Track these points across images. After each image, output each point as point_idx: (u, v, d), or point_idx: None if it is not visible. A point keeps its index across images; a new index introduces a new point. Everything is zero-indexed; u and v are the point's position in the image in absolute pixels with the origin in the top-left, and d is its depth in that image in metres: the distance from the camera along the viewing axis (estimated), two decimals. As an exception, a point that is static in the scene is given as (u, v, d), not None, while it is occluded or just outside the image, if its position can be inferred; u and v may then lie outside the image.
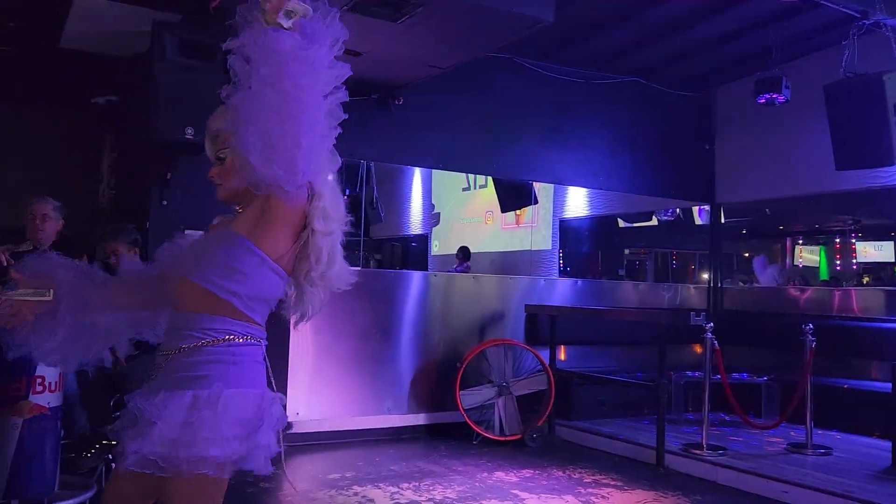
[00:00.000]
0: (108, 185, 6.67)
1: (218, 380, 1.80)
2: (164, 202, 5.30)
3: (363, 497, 4.41)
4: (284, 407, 1.95)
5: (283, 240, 1.87)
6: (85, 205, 7.13)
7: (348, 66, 1.86)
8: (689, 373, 6.37)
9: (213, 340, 1.82)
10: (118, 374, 4.16)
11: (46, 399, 3.50)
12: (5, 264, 4.11)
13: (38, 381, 3.46)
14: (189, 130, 4.54)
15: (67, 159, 7.17)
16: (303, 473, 5.17)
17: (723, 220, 8.37)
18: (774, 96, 6.24)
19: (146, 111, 4.55)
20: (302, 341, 5.79)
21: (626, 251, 13.95)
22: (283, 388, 5.65)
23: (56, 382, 3.55)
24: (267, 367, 1.94)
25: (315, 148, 1.81)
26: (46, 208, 4.48)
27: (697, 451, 5.25)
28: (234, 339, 1.85)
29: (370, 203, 10.84)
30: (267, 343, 1.95)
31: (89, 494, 3.69)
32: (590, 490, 4.70)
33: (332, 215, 1.93)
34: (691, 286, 8.34)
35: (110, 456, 4.09)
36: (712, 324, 5.37)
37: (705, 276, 8.78)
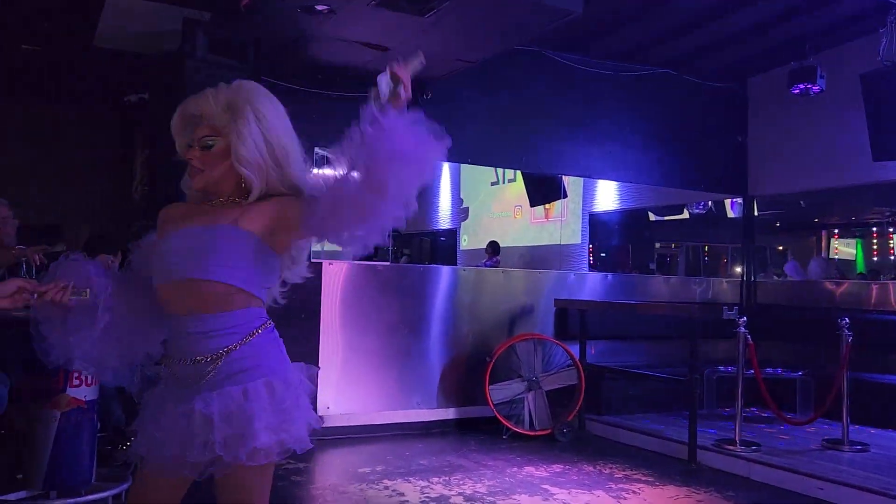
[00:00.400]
0: (140, 182, 6.77)
1: (277, 363, 1.91)
2: (196, 199, 5.36)
3: (393, 491, 4.43)
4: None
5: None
6: (118, 201, 7.26)
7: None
8: (721, 368, 6.29)
9: (253, 332, 1.89)
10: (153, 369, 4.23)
11: (83, 393, 3.57)
12: (38, 264, 4.19)
13: (76, 375, 3.53)
14: (219, 127, 4.58)
15: (101, 156, 7.30)
16: (332, 467, 5.21)
17: (756, 213, 8.23)
18: (809, 86, 6.12)
19: (176, 107, 4.60)
20: (331, 337, 5.82)
21: (657, 245, 13.81)
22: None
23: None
24: None
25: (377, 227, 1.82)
26: (4, 210, 4.49)
27: (730, 447, 5.18)
28: (265, 324, 1.95)
29: (399, 198, 10.85)
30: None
31: (125, 486, 3.75)
32: (621, 485, 4.66)
33: None
34: (724, 280, 8.22)
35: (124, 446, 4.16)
36: (745, 318, 5.29)
37: (738, 269, 8.64)
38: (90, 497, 3.57)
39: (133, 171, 6.96)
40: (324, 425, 5.76)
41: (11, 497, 3.47)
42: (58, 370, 3.49)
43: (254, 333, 1.89)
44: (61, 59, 5.80)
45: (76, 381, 3.53)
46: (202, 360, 1.85)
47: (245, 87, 1.95)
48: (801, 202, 11.20)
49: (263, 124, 1.90)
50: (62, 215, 7.46)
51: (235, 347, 1.86)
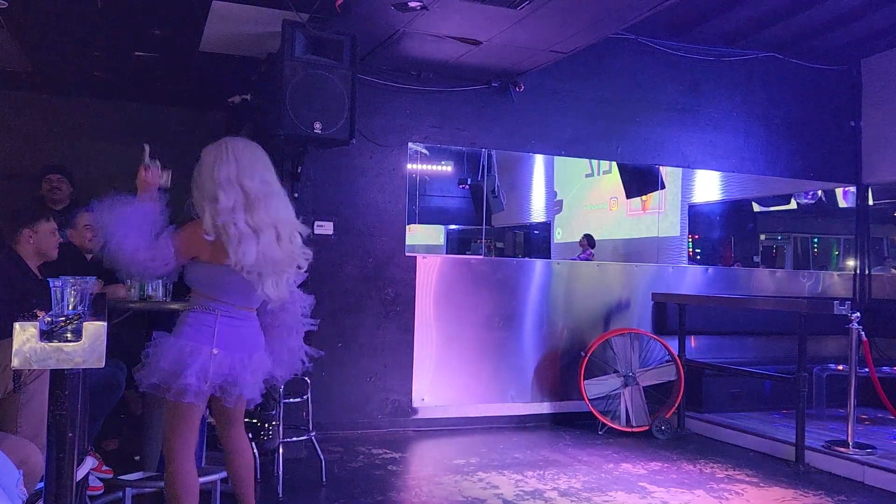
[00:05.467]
0: (244, 180, 7.02)
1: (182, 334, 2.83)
2: (296, 194, 5.53)
3: (488, 483, 4.45)
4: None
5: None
6: (224, 199, 7.56)
7: None
8: (832, 365, 5.97)
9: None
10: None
11: (193, 380, 3.74)
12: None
13: (186, 363, 3.70)
14: (317, 125, 4.70)
15: (208, 156, 7.63)
16: (428, 458, 5.29)
17: (871, 202, 7.77)
18: (931, 65, 5.72)
19: (277, 107, 4.75)
20: (426, 329, 5.90)
21: (763, 237, 13.28)
22: (407, 375, 5.82)
23: (201, 365, 3.79)
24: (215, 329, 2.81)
25: None
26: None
27: (842, 449, 4.92)
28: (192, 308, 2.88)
29: (492, 191, 10.88)
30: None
31: (232, 470, 3.91)
32: (723, 486, 4.51)
33: None
34: (835, 273, 7.80)
35: (250, 435, 4.34)
36: (859, 313, 5.00)
37: (851, 262, 8.18)
38: (200, 479, 3.74)
39: (237, 170, 7.23)
40: (418, 416, 5.88)
41: (129, 477, 3.70)
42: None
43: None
44: (170, 65, 6.11)
45: (187, 370, 3.71)
46: None
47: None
48: (923, 190, 10.49)
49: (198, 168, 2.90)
50: (173, 213, 7.86)
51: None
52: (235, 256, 2.72)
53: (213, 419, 3.23)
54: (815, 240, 13.78)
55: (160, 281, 3.75)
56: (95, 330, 1.77)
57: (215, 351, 2.77)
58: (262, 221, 2.78)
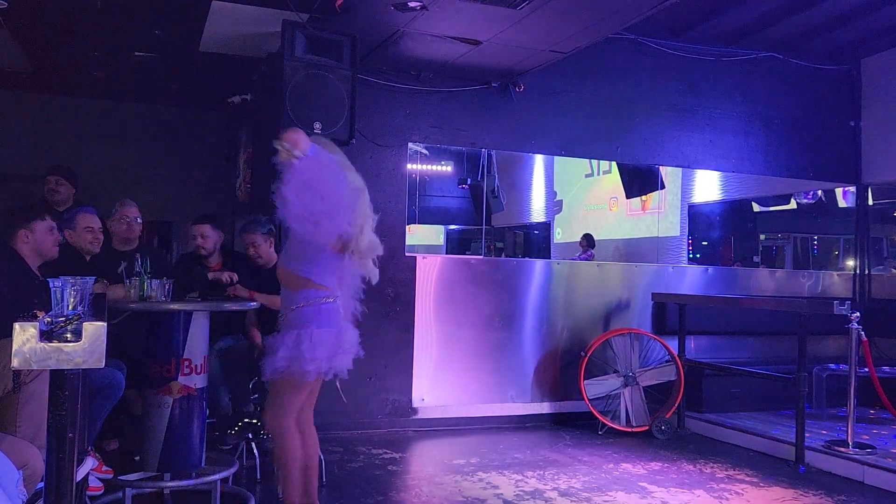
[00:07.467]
0: (244, 180, 7.04)
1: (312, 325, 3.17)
2: (296, 194, 5.54)
3: (488, 483, 4.45)
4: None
5: None
6: (224, 198, 7.59)
7: None
8: (832, 365, 5.98)
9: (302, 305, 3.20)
10: (257, 358, 4.41)
11: (194, 380, 3.75)
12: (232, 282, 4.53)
13: (186, 363, 3.72)
14: (317, 125, 4.71)
15: (207, 156, 7.65)
16: (428, 458, 5.28)
17: (871, 202, 7.77)
18: (931, 65, 5.72)
19: (277, 107, 4.76)
20: (426, 329, 5.90)
21: (762, 237, 13.28)
22: (407, 375, 5.81)
23: (202, 364, 3.80)
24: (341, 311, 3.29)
25: None
26: (134, 212, 4.74)
27: (842, 449, 4.92)
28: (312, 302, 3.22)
29: (491, 191, 10.88)
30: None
31: (232, 470, 3.92)
32: (723, 486, 4.51)
33: None
34: (835, 273, 7.80)
35: (250, 435, 4.34)
36: (858, 313, 5.00)
37: (851, 262, 8.19)
38: (200, 480, 3.76)
39: (237, 170, 7.25)
40: (418, 416, 5.88)
41: (129, 477, 3.70)
42: (171, 359, 3.69)
43: (302, 305, 3.19)
44: (170, 65, 6.12)
45: (187, 370, 3.72)
46: (281, 314, 3.28)
47: None
48: (923, 190, 10.49)
49: None
50: (172, 213, 7.87)
51: (293, 309, 3.21)
52: None
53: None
54: (815, 240, 13.79)
55: (160, 281, 3.76)
56: (95, 330, 1.78)
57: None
58: None
